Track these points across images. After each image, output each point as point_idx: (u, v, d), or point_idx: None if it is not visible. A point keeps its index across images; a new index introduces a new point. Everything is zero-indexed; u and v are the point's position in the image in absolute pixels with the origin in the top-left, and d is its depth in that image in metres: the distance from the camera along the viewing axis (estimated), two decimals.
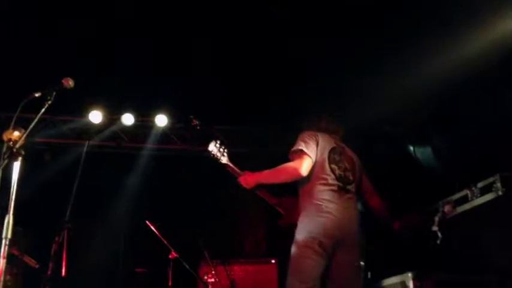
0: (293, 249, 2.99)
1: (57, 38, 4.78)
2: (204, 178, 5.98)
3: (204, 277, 4.87)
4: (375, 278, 4.30)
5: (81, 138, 6.16)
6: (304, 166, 3.04)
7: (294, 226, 3.08)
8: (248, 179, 3.14)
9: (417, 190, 5.05)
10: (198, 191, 6.38)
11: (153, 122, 6.20)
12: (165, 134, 6.42)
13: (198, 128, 5.67)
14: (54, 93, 2.54)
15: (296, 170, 3.03)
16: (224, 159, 3.27)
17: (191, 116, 5.56)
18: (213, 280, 4.79)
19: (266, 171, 3.14)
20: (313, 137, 3.21)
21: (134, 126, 6.25)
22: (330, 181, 3.09)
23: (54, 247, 4.38)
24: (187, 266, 4.66)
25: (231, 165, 3.27)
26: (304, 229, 2.97)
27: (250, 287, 5.18)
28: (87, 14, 4.58)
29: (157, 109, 6.18)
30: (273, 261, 5.49)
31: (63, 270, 4.48)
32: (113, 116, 6.15)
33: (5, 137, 2.50)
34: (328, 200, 3.02)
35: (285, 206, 3.27)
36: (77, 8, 4.51)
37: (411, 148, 5.52)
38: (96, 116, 5.98)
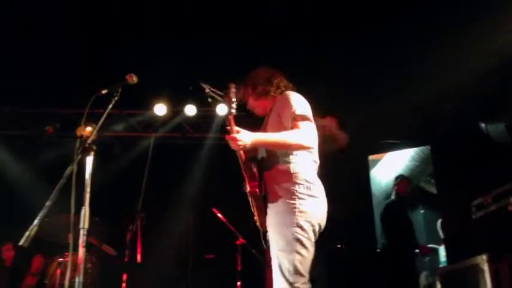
0: (293, 234, 2.53)
1: (120, 36, 4.98)
2: None
3: (272, 262, 4.91)
4: (450, 260, 4.17)
5: (148, 131, 6.40)
6: (314, 138, 2.68)
7: (262, 197, 2.70)
8: (245, 137, 2.56)
9: (490, 169, 4.80)
10: None
11: (214, 111, 6.31)
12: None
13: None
14: (119, 90, 2.66)
15: (306, 141, 2.61)
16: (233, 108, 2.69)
17: None
18: None
19: (271, 134, 2.65)
20: (307, 102, 2.75)
21: (197, 116, 6.40)
22: (315, 158, 2.75)
23: (128, 235, 4.62)
24: (254, 252, 4.73)
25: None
26: (303, 213, 2.55)
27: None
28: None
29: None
30: (338, 246, 5.48)
31: (139, 257, 4.70)
32: (176, 108, 6.34)
33: (78, 133, 2.65)
34: (318, 181, 2.69)
35: (252, 173, 2.77)
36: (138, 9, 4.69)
37: (482, 125, 5.23)
38: (160, 109, 6.19)
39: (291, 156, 2.68)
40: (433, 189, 6.81)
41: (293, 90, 2.92)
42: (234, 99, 2.75)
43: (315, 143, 2.71)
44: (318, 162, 2.77)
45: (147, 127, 6.48)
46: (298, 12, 4.86)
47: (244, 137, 2.56)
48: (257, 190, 2.70)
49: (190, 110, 6.26)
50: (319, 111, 3.02)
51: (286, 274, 2.53)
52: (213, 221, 4.84)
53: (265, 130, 2.82)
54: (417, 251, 5.33)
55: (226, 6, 4.73)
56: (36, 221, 2.28)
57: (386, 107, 5.34)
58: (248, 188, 2.73)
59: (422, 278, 5.64)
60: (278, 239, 2.61)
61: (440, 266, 5.42)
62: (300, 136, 2.61)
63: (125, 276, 4.60)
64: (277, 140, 2.61)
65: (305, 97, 2.85)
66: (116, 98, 2.65)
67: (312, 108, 2.79)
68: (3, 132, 6.31)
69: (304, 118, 2.65)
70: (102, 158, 2.69)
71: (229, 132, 2.61)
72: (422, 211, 7.29)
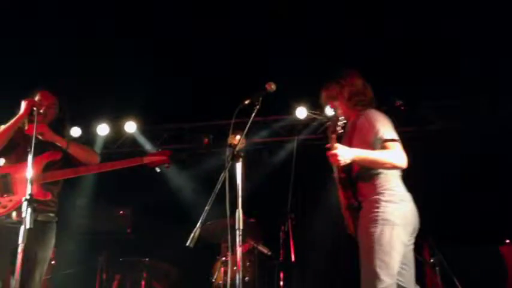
0: (372, 242, 2.71)
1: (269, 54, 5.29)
2: (419, 157, 5.77)
3: (431, 260, 4.74)
4: None
5: (291, 134, 6.62)
6: (405, 157, 2.79)
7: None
8: (346, 154, 2.70)
9: None
10: (414, 170, 6.18)
11: None
12: None
13: (402, 108, 5.45)
14: (260, 98, 2.84)
15: (400, 162, 2.76)
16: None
17: (394, 97, 5.40)
18: None
19: (368, 152, 2.76)
20: (389, 120, 2.93)
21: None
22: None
23: (281, 235, 4.85)
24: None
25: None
26: (385, 220, 2.73)
27: (478, 270, 4.81)
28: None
29: None
30: (507, 241, 5.02)
31: (292, 256, 4.89)
32: (316, 110, 6.46)
33: (229, 142, 2.89)
34: (401, 187, 2.90)
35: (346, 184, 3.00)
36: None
37: None
38: (301, 112, 6.37)
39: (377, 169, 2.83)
40: None
41: (374, 104, 3.04)
42: (341, 118, 2.97)
43: (406, 163, 2.80)
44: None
45: (290, 131, 6.70)
46: None
47: (345, 154, 2.70)
48: (353, 201, 2.90)
49: (330, 110, 6.32)
50: None
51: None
52: None
53: (350, 142, 2.92)
54: None
55: None
56: (198, 224, 2.57)
57: None
58: (345, 201, 2.95)
59: None
60: (362, 247, 2.78)
61: None
62: (394, 157, 2.75)
63: (281, 274, 4.83)
64: (374, 159, 2.74)
65: None
66: (258, 107, 2.84)
67: None
68: (169, 147, 7.03)
69: (393, 140, 2.79)
70: (254, 164, 2.90)
71: (329, 149, 2.75)
72: None
